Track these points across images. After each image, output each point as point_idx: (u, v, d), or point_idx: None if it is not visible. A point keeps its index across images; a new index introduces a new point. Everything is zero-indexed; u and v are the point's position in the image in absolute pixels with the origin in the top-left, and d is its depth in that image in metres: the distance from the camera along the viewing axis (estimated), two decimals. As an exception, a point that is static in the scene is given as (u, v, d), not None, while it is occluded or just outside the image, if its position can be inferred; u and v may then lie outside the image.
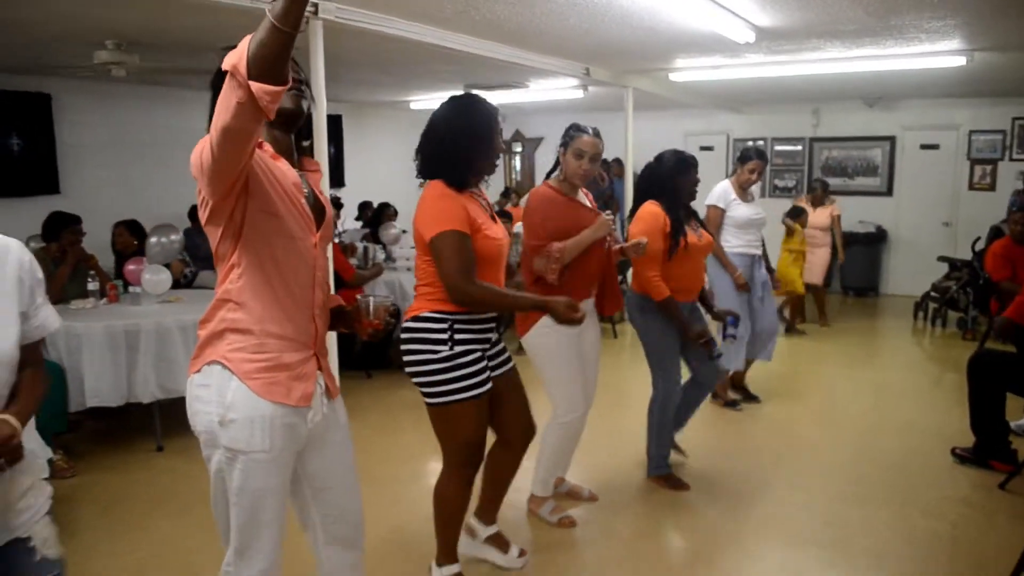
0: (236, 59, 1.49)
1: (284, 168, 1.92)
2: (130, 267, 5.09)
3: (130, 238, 5.81)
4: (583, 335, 3.44)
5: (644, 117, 9.04)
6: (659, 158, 3.91)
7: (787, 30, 5.50)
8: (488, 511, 3.19)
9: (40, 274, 1.75)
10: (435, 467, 2.95)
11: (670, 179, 3.81)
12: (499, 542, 3.20)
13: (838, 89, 9.00)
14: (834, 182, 10.15)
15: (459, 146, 2.60)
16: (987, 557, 3.18)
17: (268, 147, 1.93)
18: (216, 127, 1.59)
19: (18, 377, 1.68)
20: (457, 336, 2.64)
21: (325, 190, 2.23)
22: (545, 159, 11.84)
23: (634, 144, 8.26)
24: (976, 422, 4.26)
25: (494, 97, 9.01)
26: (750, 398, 5.45)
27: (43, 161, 7.34)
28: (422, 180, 2.70)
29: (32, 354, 1.73)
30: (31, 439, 1.65)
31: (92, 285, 4.95)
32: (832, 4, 4.69)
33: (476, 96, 2.75)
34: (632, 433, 4.39)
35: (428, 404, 2.71)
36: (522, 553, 3.19)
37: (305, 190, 1.99)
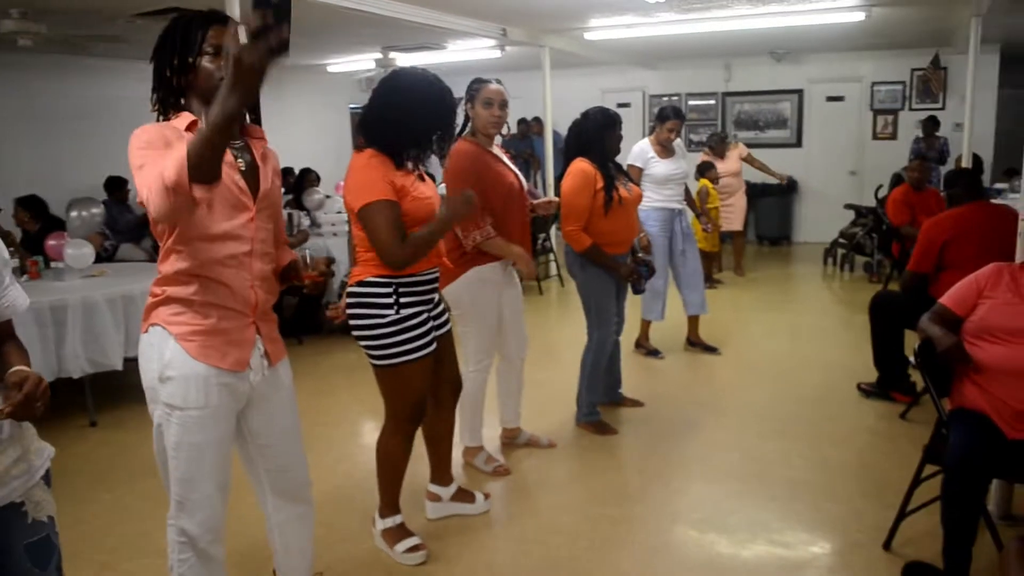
0: (175, 178, 1.64)
1: None
2: (51, 242, 5.01)
3: (28, 216, 5.65)
4: (504, 292, 3.58)
5: (561, 76, 9.15)
6: (585, 115, 4.00)
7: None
8: (442, 473, 3.31)
9: (6, 254, 1.75)
10: (371, 426, 3.07)
11: (598, 135, 3.93)
12: (464, 496, 3.34)
13: (748, 45, 9.29)
14: (746, 135, 10.52)
15: (399, 120, 2.68)
16: (890, 479, 3.47)
17: (198, 124, 1.96)
18: (153, 203, 1.73)
19: (2, 351, 1.72)
20: (403, 300, 2.73)
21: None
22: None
23: (553, 102, 8.39)
24: (878, 358, 4.59)
25: (412, 59, 8.98)
26: (709, 350, 5.63)
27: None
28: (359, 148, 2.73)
29: (7, 328, 1.76)
30: None
31: (11, 262, 4.84)
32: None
33: (417, 70, 2.80)
34: (562, 384, 4.57)
35: (375, 366, 2.81)
36: (487, 496, 3.37)
37: (241, 163, 2.04)
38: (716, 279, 8.18)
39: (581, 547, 3.08)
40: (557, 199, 3.81)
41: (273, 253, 2.20)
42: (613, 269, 3.94)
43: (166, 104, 2.03)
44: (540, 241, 7.93)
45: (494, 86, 3.47)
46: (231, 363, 2.07)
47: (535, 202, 3.74)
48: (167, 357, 2.02)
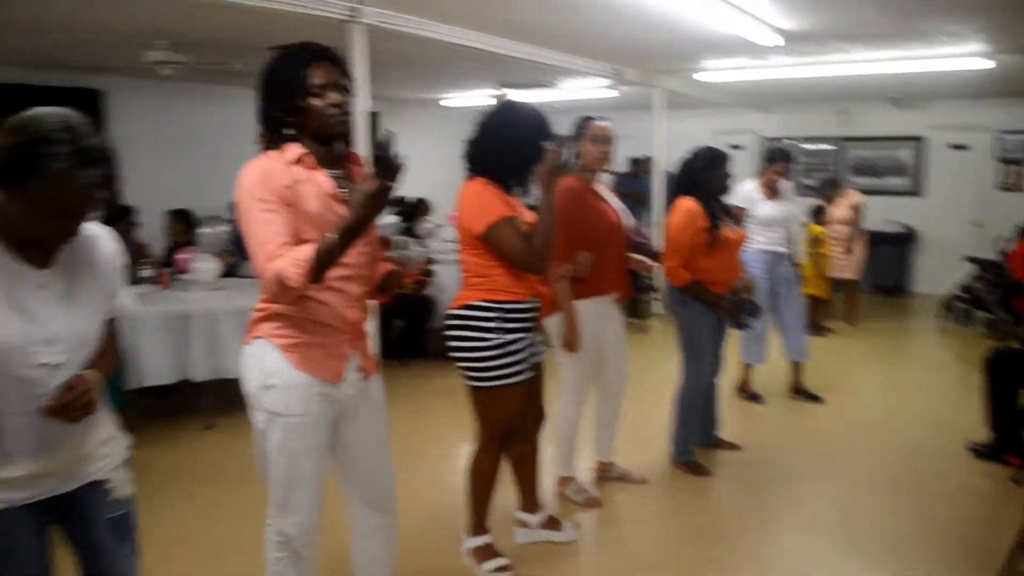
0: (298, 283, 1.96)
1: (320, 180, 2.12)
2: (181, 256, 5.37)
3: (181, 227, 6.10)
4: (605, 327, 3.62)
5: (674, 116, 9.18)
6: (693, 153, 4.03)
7: (810, 33, 5.65)
8: (529, 501, 3.36)
9: (122, 261, 1.92)
10: (464, 449, 3.16)
11: (704, 174, 3.95)
12: (552, 524, 3.39)
13: (866, 89, 9.10)
14: (863, 182, 10.24)
15: (505, 151, 2.82)
16: (993, 542, 3.32)
17: (307, 159, 2.12)
18: (266, 287, 2.04)
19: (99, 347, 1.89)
20: (507, 325, 2.84)
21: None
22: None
23: (665, 142, 8.43)
24: (992, 417, 4.39)
25: (526, 96, 9.20)
26: (813, 399, 5.49)
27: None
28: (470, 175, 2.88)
29: (109, 327, 1.93)
30: (104, 399, 1.87)
31: (146, 272, 5.22)
32: (852, 8, 4.84)
33: (524, 104, 2.93)
34: (659, 422, 4.56)
35: (474, 387, 2.91)
36: (575, 525, 3.42)
37: (344, 192, 2.16)
38: (827, 327, 7.96)
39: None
40: (654, 265, 3.85)
41: (369, 275, 2.32)
42: (715, 304, 3.93)
43: (272, 139, 2.17)
44: (644, 279, 7.92)
45: (601, 123, 3.56)
46: (329, 375, 2.21)
47: (634, 258, 3.77)
48: (270, 367, 2.16)
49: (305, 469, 2.23)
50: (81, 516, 1.86)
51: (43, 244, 1.69)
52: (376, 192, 1.90)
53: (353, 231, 1.95)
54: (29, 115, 1.59)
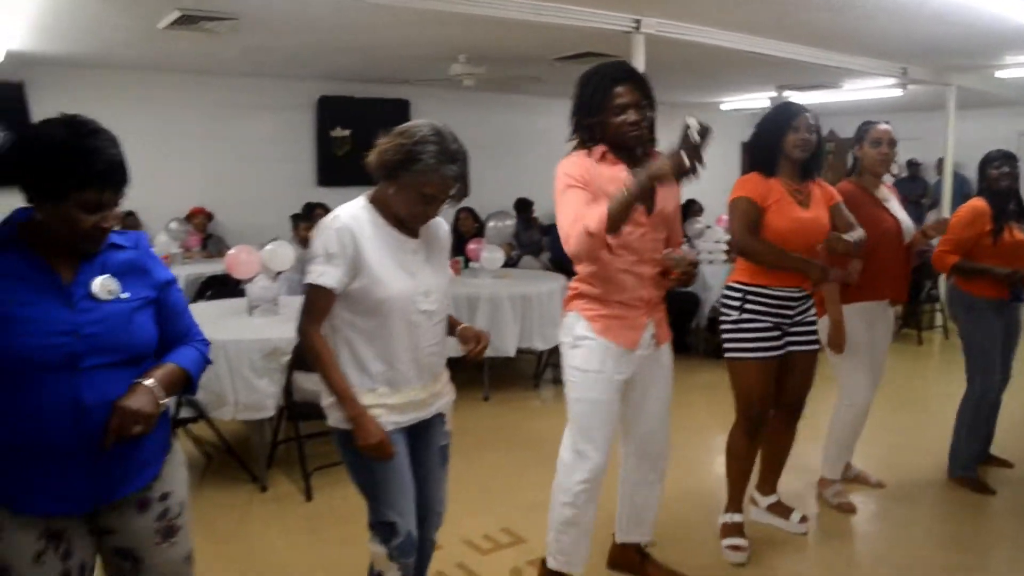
0: (595, 228, 2.33)
1: (621, 174, 2.51)
2: (471, 246, 6.06)
3: (471, 222, 6.85)
4: (875, 326, 3.64)
5: (968, 116, 8.57)
6: (985, 154, 3.97)
7: None
8: (766, 482, 3.53)
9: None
10: (722, 439, 3.37)
11: (982, 173, 3.91)
12: (780, 510, 3.51)
13: None
14: None
15: (765, 143, 3.14)
16: None
17: (609, 155, 2.55)
18: (572, 244, 2.42)
19: None
20: (748, 305, 3.13)
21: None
22: (859, 159, 11.36)
23: (961, 144, 7.94)
24: None
25: (806, 98, 9.08)
26: None
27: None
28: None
29: None
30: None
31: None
32: None
33: (788, 103, 3.19)
34: (931, 435, 4.42)
35: (725, 358, 3.26)
36: (803, 519, 3.48)
37: None
38: None
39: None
40: (946, 219, 3.83)
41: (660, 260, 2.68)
42: (988, 271, 3.73)
43: (582, 141, 2.63)
44: (926, 290, 7.52)
45: (883, 126, 3.63)
46: (625, 342, 2.67)
47: (927, 225, 3.81)
48: (578, 332, 2.68)
49: (598, 419, 2.69)
50: (425, 441, 2.38)
51: (414, 221, 2.21)
52: (672, 157, 2.24)
53: (643, 186, 2.31)
54: (409, 124, 2.13)
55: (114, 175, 1.64)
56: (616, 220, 2.34)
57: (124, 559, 1.83)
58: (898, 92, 8.38)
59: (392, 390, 2.22)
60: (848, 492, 3.85)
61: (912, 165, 10.25)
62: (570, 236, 2.42)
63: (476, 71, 6.78)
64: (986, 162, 3.91)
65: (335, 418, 2.23)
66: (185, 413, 4.00)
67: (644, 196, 2.39)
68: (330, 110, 8.50)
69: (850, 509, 3.76)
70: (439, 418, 2.39)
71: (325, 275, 2.12)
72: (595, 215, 2.34)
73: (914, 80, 7.45)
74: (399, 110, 8.82)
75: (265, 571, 3.17)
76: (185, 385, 1.86)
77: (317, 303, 2.15)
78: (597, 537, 2.95)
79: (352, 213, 2.19)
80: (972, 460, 4.01)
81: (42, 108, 7.08)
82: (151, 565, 1.84)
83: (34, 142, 1.61)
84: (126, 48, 6.36)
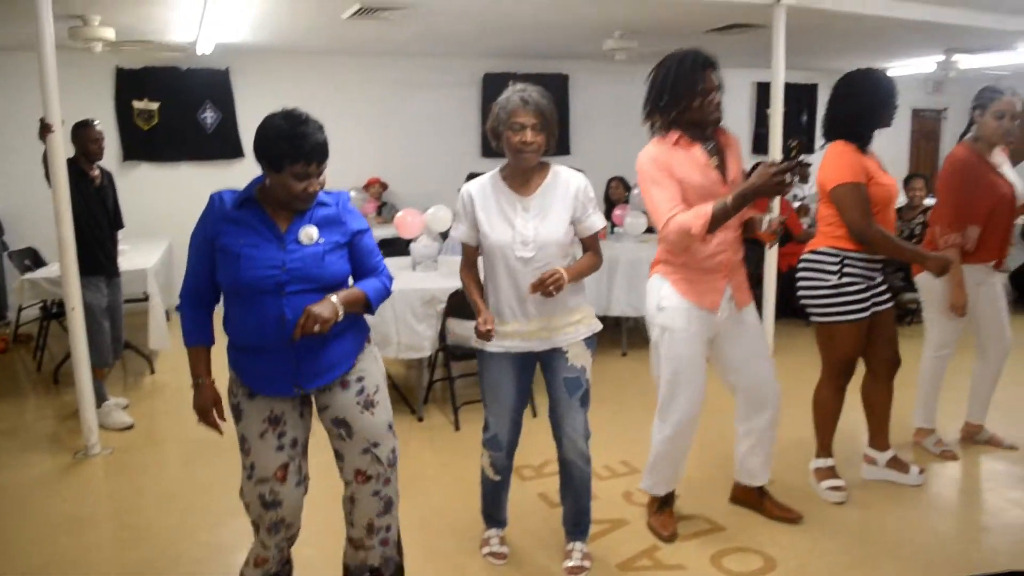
0: (699, 232, 2.67)
1: (696, 154, 2.82)
2: (617, 212, 6.45)
3: (622, 190, 7.25)
4: (979, 291, 3.71)
5: None
6: None
7: None
8: (878, 438, 3.67)
9: (591, 195, 2.81)
10: (802, 397, 3.60)
11: None
12: (898, 464, 3.67)
13: None
14: None
15: (859, 113, 3.23)
16: None
17: (683, 140, 2.82)
18: (671, 240, 2.79)
19: (579, 256, 2.83)
20: (846, 269, 3.28)
21: (746, 155, 3.06)
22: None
23: None
24: None
25: (977, 60, 8.69)
26: None
27: (559, 128, 9.19)
28: (824, 143, 3.35)
29: (591, 242, 2.84)
30: (579, 291, 2.82)
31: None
32: None
33: (872, 71, 3.27)
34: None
35: (816, 323, 3.41)
36: (921, 471, 3.66)
37: (715, 161, 2.86)
38: None
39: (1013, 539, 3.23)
40: None
41: (738, 224, 2.95)
42: None
43: (657, 124, 2.89)
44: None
45: (1008, 98, 3.61)
46: (706, 303, 2.95)
47: None
48: (663, 293, 2.98)
49: (685, 372, 2.99)
50: (549, 371, 2.85)
51: (522, 178, 2.73)
52: (773, 175, 2.55)
53: (746, 198, 2.65)
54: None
55: (318, 152, 2.21)
56: (717, 226, 2.69)
57: (339, 427, 2.43)
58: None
59: (500, 320, 2.74)
60: (964, 448, 4.00)
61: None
62: (668, 230, 2.73)
63: (629, 45, 7.11)
64: None
65: (464, 336, 2.83)
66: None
67: (746, 204, 2.67)
68: (494, 86, 9.04)
69: (952, 456, 3.93)
70: (559, 351, 2.79)
71: (458, 230, 2.77)
72: (699, 221, 2.65)
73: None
74: (559, 83, 9.30)
75: (418, 482, 3.77)
76: (366, 306, 2.42)
77: (463, 251, 2.84)
78: (729, 474, 3.38)
79: (479, 180, 2.75)
80: None
81: (244, 91, 8.12)
82: (359, 428, 2.42)
83: (265, 130, 2.20)
84: (314, 36, 7.18)
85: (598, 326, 2.87)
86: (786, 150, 2.57)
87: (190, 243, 2.36)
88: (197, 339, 2.37)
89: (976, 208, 3.61)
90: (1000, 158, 3.77)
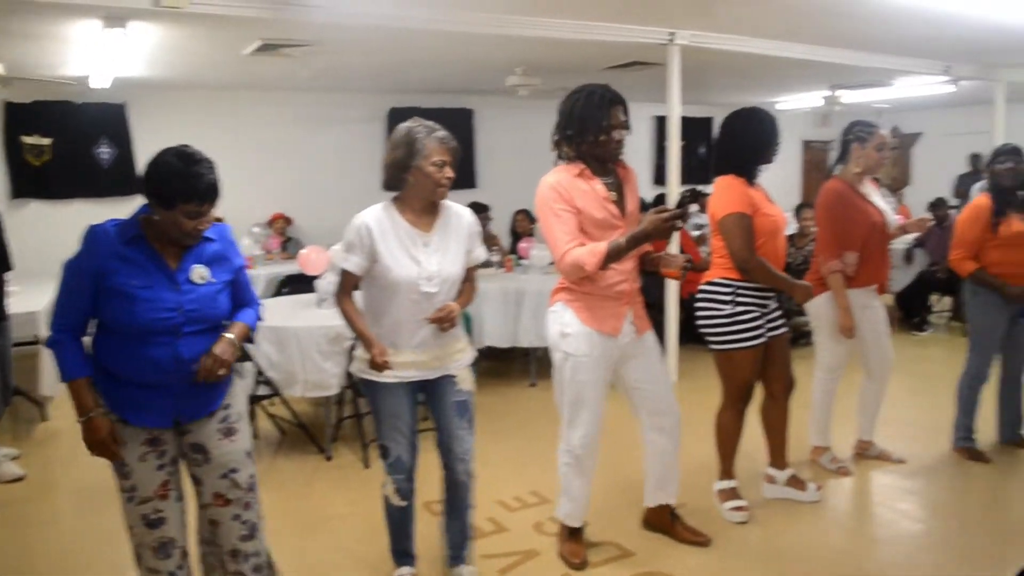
0: (592, 266, 2.77)
1: (596, 187, 2.92)
2: (522, 244, 6.54)
3: (527, 223, 7.35)
4: (863, 314, 3.91)
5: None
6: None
7: None
8: (777, 458, 3.82)
9: (478, 228, 2.94)
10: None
11: (988, 167, 4.21)
12: (797, 483, 3.81)
13: None
14: None
15: (745, 150, 3.41)
16: None
17: (586, 171, 2.92)
18: (564, 271, 2.91)
19: (462, 287, 2.89)
20: (739, 299, 3.41)
21: (645, 187, 3.19)
22: (924, 155, 11.61)
23: (1010, 139, 7.98)
24: None
25: (860, 95, 9.14)
26: None
27: (464, 162, 9.26)
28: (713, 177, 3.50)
29: (472, 272, 2.94)
30: (461, 322, 2.89)
31: (494, 256, 6.41)
32: None
33: (756, 110, 3.47)
34: (939, 413, 4.67)
35: (713, 350, 3.53)
36: (819, 488, 3.81)
37: (613, 195, 2.97)
38: None
39: (905, 550, 3.39)
40: (927, 217, 4.21)
41: (636, 257, 3.06)
42: (1000, 289, 4.03)
43: (562, 154, 2.99)
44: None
45: (884, 131, 3.92)
46: (608, 329, 3.02)
47: (907, 222, 4.14)
48: (566, 320, 3.04)
49: (588, 395, 3.06)
50: (438, 396, 2.90)
51: (428, 212, 2.79)
52: (665, 221, 2.69)
53: (638, 241, 2.78)
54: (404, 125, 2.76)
55: (211, 192, 2.25)
56: (609, 264, 2.82)
57: (196, 452, 2.46)
58: (951, 88, 8.47)
59: (395, 351, 2.76)
60: (858, 463, 4.19)
61: (975, 158, 10.19)
62: (564, 263, 2.84)
63: (532, 82, 7.24)
64: (993, 157, 4.18)
65: (356, 368, 2.86)
66: (262, 391, 4.59)
67: (639, 245, 2.84)
68: (400, 121, 8.97)
69: (846, 473, 4.11)
70: (448, 378, 2.87)
71: (348, 261, 2.76)
72: (592, 259, 2.77)
73: (964, 76, 7.58)
74: (464, 118, 9.41)
75: (327, 523, 3.71)
76: (248, 336, 2.51)
77: (344, 280, 2.82)
78: (633, 500, 3.46)
79: (373, 212, 2.76)
80: (969, 431, 4.30)
81: (142, 125, 7.92)
82: (218, 455, 2.45)
83: (158, 167, 2.21)
84: (215, 71, 7.06)
85: (471, 353, 2.99)
86: (679, 200, 2.75)
87: (65, 273, 2.32)
88: (81, 370, 2.31)
89: (852, 235, 3.83)
90: (869, 188, 4.02)
